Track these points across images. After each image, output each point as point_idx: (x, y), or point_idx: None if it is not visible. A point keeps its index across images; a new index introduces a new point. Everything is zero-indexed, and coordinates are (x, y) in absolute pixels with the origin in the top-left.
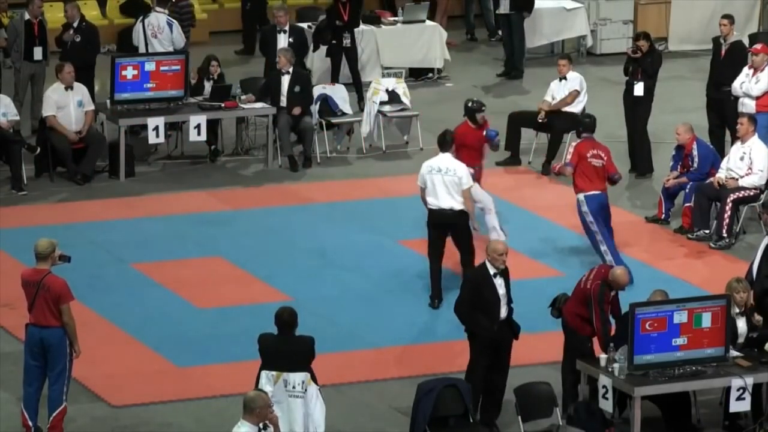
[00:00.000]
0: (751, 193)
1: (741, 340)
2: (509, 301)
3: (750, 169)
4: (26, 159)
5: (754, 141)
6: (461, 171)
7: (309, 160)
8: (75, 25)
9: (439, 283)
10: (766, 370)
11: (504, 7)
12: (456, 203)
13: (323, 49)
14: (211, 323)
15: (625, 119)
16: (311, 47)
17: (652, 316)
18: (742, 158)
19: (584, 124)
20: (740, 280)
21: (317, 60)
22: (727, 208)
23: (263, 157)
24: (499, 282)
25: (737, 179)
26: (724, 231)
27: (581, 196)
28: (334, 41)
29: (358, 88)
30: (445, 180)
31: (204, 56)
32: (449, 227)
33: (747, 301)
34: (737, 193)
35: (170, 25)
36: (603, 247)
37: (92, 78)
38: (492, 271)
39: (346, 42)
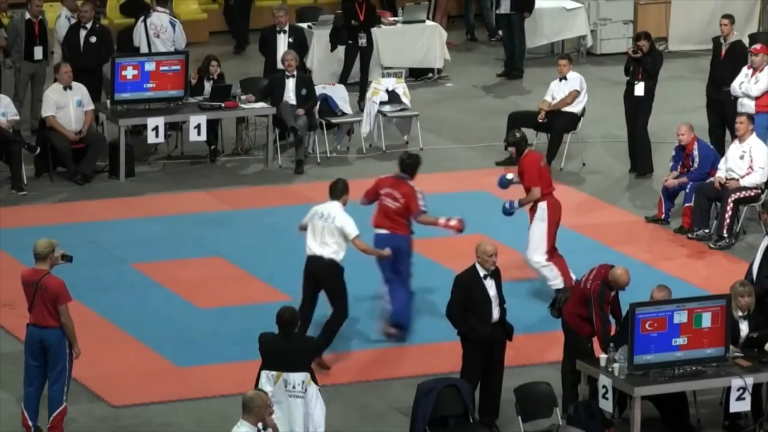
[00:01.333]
0: (752, 193)
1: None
2: (502, 301)
3: (750, 167)
4: (26, 159)
5: (753, 139)
6: (340, 220)
7: (300, 163)
8: (88, 26)
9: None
10: (766, 370)
11: (504, 8)
12: (326, 251)
13: (322, 49)
14: (211, 323)
15: (626, 119)
16: (327, 47)
17: (652, 316)
18: (741, 157)
19: (401, 162)
20: (745, 284)
21: (317, 60)
22: (728, 207)
23: (263, 157)
24: (489, 283)
25: (738, 179)
26: (724, 231)
27: (374, 232)
28: (350, 41)
29: (363, 87)
30: (324, 226)
31: (204, 56)
32: (319, 278)
33: (751, 305)
34: (739, 193)
35: (173, 25)
36: (384, 288)
37: (100, 79)
38: (482, 272)
39: (362, 42)
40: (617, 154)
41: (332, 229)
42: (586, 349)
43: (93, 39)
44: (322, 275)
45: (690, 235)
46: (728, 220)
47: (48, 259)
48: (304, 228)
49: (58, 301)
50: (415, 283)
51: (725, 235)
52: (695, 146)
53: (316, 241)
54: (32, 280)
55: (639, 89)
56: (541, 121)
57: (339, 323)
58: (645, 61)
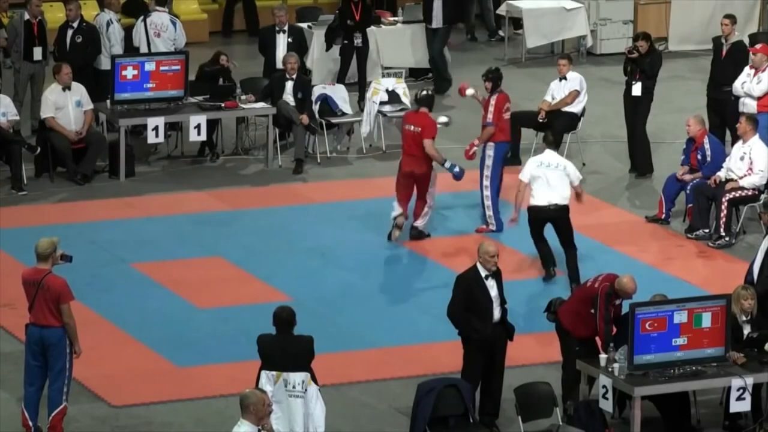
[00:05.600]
0: (748, 193)
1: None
2: (503, 302)
3: (750, 169)
4: (26, 159)
5: (755, 141)
6: (570, 167)
7: (300, 163)
8: (75, 25)
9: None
10: (766, 370)
11: (437, 22)
12: (562, 199)
13: (322, 50)
14: (211, 323)
15: (625, 119)
16: (324, 47)
17: (652, 316)
18: (742, 158)
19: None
20: (747, 287)
21: (317, 60)
22: (723, 207)
23: (263, 157)
24: (491, 284)
25: (736, 180)
26: (722, 230)
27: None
28: (345, 41)
29: (361, 87)
30: (561, 176)
31: (203, 56)
32: (552, 221)
33: (754, 308)
34: (733, 193)
35: (173, 23)
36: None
37: (90, 77)
38: (484, 273)
39: (358, 42)
40: (617, 154)
41: (563, 176)
42: (573, 352)
43: (79, 38)
44: (561, 220)
45: (689, 235)
46: (724, 219)
47: (50, 258)
48: (527, 182)
49: (61, 300)
50: (417, 283)
51: (723, 234)
52: (706, 140)
53: (551, 189)
54: (33, 279)
55: (636, 89)
56: (541, 121)
57: (576, 256)
58: (643, 61)
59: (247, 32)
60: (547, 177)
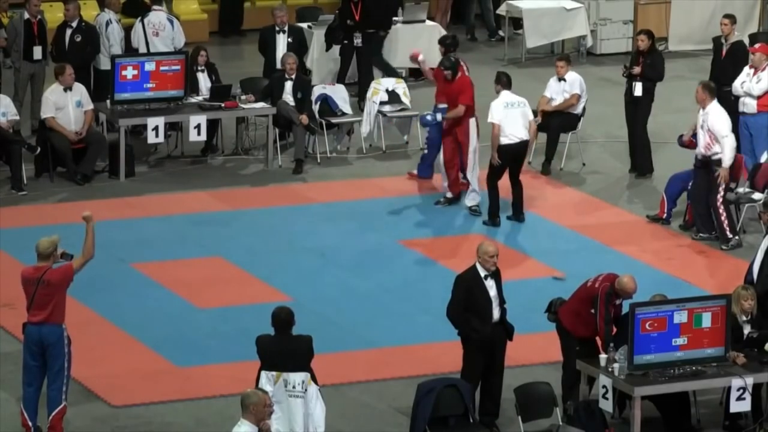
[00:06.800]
0: (734, 186)
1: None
2: (502, 302)
3: (713, 139)
4: (26, 159)
5: (712, 107)
6: (526, 102)
7: (300, 163)
8: (74, 24)
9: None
10: (766, 370)
11: (357, 41)
12: (526, 134)
13: (322, 50)
14: (211, 323)
15: (626, 119)
16: (324, 47)
17: (652, 316)
18: (702, 126)
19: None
20: (747, 287)
21: (317, 60)
22: (721, 211)
23: (263, 157)
24: (490, 284)
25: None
26: (727, 232)
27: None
28: (345, 41)
29: (361, 87)
30: (523, 113)
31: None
32: (520, 156)
33: (754, 308)
34: (721, 191)
35: (171, 22)
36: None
37: (88, 77)
38: (483, 273)
39: (357, 42)
40: (617, 154)
41: (525, 112)
42: (573, 352)
43: (78, 38)
44: (523, 154)
45: (694, 236)
46: (727, 222)
47: (51, 257)
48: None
49: (69, 274)
50: (416, 283)
51: (730, 236)
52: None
53: (519, 126)
54: (33, 277)
55: (637, 89)
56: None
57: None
58: (647, 70)
59: (245, 33)
60: (514, 116)
